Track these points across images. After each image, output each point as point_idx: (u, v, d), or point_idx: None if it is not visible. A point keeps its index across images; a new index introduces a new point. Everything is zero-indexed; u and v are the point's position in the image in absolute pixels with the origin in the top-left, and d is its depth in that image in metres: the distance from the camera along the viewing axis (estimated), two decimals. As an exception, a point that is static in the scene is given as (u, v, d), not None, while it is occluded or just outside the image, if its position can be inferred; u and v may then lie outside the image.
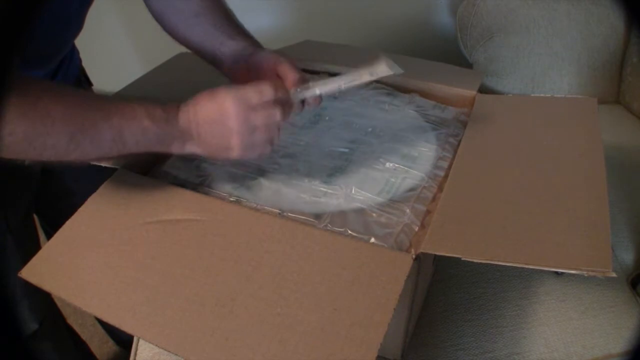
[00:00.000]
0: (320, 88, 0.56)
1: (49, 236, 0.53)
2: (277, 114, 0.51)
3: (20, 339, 0.38)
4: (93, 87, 0.84)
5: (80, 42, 0.72)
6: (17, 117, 0.40)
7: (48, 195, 0.79)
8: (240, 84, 0.52)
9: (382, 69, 0.55)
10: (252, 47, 0.62)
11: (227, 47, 0.62)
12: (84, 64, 0.80)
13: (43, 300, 0.80)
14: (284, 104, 0.52)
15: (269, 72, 0.58)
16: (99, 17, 0.68)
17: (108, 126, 0.45)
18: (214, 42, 0.63)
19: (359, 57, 0.87)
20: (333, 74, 0.82)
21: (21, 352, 0.34)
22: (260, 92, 0.50)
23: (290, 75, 0.57)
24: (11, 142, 0.40)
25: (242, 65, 0.61)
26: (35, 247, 0.51)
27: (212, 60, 0.64)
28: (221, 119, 0.49)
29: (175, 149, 0.51)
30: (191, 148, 0.51)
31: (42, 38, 0.55)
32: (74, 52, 0.74)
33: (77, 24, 0.64)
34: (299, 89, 0.56)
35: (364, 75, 0.56)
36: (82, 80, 0.79)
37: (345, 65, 0.82)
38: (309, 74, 0.83)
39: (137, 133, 0.47)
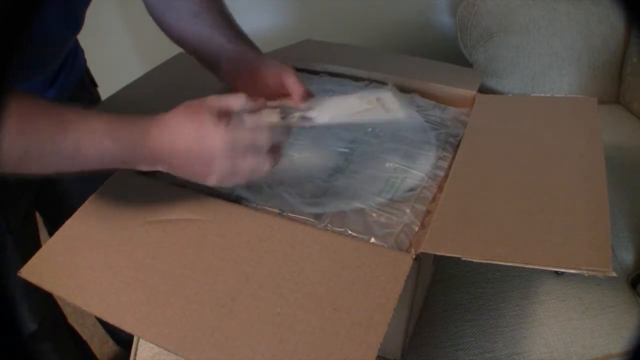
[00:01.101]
0: (323, 117, 0.54)
1: (51, 235, 0.53)
2: (266, 163, 0.47)
3: (21, 339, 0.38)
4: (98, 89, 0.84)
5: (82, 42, 0.72)
6: None
7: (49, 195, 0.79)
8: (239, 90, 0.51)
9: (394, 107, 0.55)
10: (251, 52, 0.60)
11: (225, 50, 0.60)
12: (87, 63, 0.80)
13: (43, 301, 0.80)
14: (277, 150, 0.48)
15: (272, 81, 0.56)
16: (100, 16, 0.68)
17: (65, 142, 0.42)
18: (212, 44, 0.61)
19: (359, 57, 0.88)
20: (333, 75, 0.82)
21: (21, 353, 0.34)
22: (255, 139, 0.45)
23: (296, 89, 0.54)
24: None
25: (241, 71, 0.58)
26: (36, 247, 0.51)
27: (209, 63, 0.62)
28: (202, 156, 0.45)
29: (144, 167, 0.47)
30: (162, 168, 0.47)
31: (37, 40, 0.54)
32: (77, 53, 0.74)
33: (74, 25, 0.63)
34: (304, 115, 0.53)
35: (373, 111, 0.55)
36: (86, 82, 0.79)
37: (345, 65, 0.82)
38: (309, 74, 0.83)
39: (98, 150, 0.43)
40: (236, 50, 0.59)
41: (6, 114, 0.38)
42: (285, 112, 0.53)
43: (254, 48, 0.62)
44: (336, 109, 0.56)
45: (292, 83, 0.55)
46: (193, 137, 0.44)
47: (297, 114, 0.53)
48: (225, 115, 0.45)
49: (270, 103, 0.52)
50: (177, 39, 0.64)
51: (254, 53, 0.60)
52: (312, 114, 0.54)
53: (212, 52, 0.61)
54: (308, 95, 0.55)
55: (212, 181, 0.46)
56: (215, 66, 0.61)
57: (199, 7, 0.62)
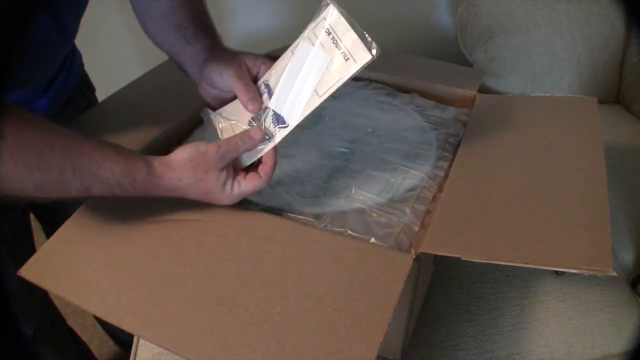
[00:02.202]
0: (291, 117, 0.52)
1: (48, 237, 0.53)
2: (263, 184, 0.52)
3: (21, 344, 0.38)
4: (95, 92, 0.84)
5: (80, 42, 0.72)
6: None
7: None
8: (208, 99, 0.56)
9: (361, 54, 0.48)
10: (203, 52, 0.57)
11: (184, 54, 0.58)
12: (86, 63, 0.79)
13: (37, 306, 0.79)
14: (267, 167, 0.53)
15: (220, 88, 0.55)
16: (99, 17, 0.67)
17: (78, 184, 0.44)
18: (175, 47, 0.59)
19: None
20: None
21: (22, 356, 0.34)
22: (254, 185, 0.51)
23: (240, 96, 0.53)
24: None
25: (203, 79, 0.56)
26: (30, 256, 0.51)
27: (179, 67, 0.61)
28: (209, 199, 0.51)
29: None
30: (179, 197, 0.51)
31: (26, 51, 0.53)
32: (75, 58, 0.73)
33: (65, 35, 0.62)
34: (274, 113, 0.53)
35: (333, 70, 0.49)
36: (83, 88, 0.77)
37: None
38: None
39: (105, 193, 0.46)
40: (191, 51, 0.57)
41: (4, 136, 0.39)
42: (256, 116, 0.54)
43: (208, 44, 0.58)
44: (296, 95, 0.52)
45: (236, 89, 0.53)
46: (201, 194, 0.50)
47: (269, 117, 0.53)
48: (227, 166, 0.50)
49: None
50: (155, 43, 0.62)
51: (205, 52, 0.57)
52: (284, 118, 0.53)
53: (176, 56, 0.60)
54: (254, 99, 0.53)
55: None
56: (182, 69, 0.60)
57: (167, 7, 0.58)
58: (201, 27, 0.59)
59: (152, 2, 0.59)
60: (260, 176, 0.51)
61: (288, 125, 0.52)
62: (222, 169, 0.49)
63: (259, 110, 0.53)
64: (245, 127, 0.53)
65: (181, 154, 0.48)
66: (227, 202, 0.51)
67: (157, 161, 0.48)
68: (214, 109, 0.58)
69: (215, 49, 0.58)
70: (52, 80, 0.66)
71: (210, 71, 0.54)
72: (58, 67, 0.67)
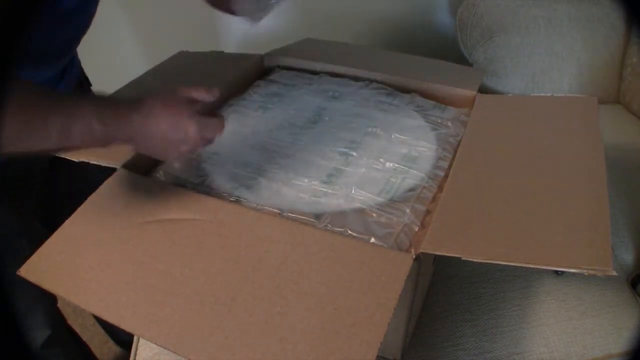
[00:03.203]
0: None
1: (48, 237, 0.53)
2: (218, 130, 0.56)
3: (30, 348, 0.38)
4: (92, 88, 0.84)
5: (81, 41, 0.72)
6: None
7: (52, 197, 0.79)
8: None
9: None
10: None
11: None
12: (85, 61, 0.80)
13: (53, 305, 0.80)
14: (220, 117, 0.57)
15: None
16: (101, 14, 0.68)
17: (58, 122, 0.46)
18: None
19: (359, 57, 0.88)
20: (333, 75, 0.82)
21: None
22: (211, 124, 0.54)
23: None
24: None
25: None
26: None
27: None
28: (174, 141, 0.52)
29: (113, 145, 0.52)
30: (132, 146, 0.53)
31: (49, 36, 0.55)
32: (75, 57, 0.74)
33: (85, 22, 0.64)
34: None
35: None
36: (84, 83, 0.79)
37: (345, 65, 0.82)
38: (310, 74, 0.83)
39: (84, 132, 0.48)
40: None
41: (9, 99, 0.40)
42: None
43: None
44: None
45: None
46: (171, 126, 0.51)
47: None
48: (193, 104, 0.53)
49: None
50: None
51: None
52: None
53: None
54: None
55: (171, 159, 0.58)
56: None
57: None
58: None
59: None
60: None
61: None
62: (190, 104, 0.53)
63: None
64: None
65: (151, 98, 0.53)
66: (192, 139, 0.53)
67: (130, 102, 0.52)
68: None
69: None
70: (64, 68, 0.68)
71: None
72: (64, 66, 0.68)
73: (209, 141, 0.55)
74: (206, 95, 0.55)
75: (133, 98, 0.52)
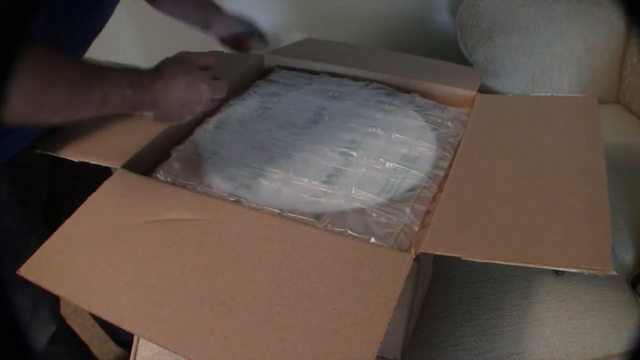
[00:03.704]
0: None
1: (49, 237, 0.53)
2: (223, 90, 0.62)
3: (31, 348, 0.38)
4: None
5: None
6: (31, 68, 0.44)
7: (53, 196, 0.79)
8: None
9: None
10: (204, 12, 0.79)
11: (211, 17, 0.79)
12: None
13: (56, 302, 0.79)
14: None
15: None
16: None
17: (97, 90, 0.51)
18: (196, 15, 0.80)
19: (359, 56, 0.88)
20: (333, 75, 0.82)
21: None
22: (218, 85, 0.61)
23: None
24: (18, 95, 0.44)
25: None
26: None
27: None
28: (189, 103, 0.59)
29: (143, 112, 0.57)
30: (151, 112, 0.58)
31: (72, 28, 0.59)
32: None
33: (107, 12, 0.66)
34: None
35: None
36: None
37: (345, 64, 0.82)
38: (310, 74, 0.83)
39: (119, 99, 0.53)
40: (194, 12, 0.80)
41: (29, 65, 0.44)
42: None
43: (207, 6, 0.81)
44: None
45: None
46: (188, 87, 0.58)
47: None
48: (203, 68, 0.60)
49: None
50: (172, 16, 0.80)
51: (206, 13, 0.80)
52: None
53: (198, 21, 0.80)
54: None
55: (186, 120, 0.62)
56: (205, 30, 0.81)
57: None
58: None
59: None
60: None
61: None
62: (199, 70, 0.60)
63: None
64: None
65: (169, 64, 0.59)
66: (206, 101, 0.60)
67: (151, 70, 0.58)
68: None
69: (213, 8, 0.81)
70: None
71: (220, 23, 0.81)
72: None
73: (217, 102, 0.62)
74: (210, 60, 0.62)
75: (152, 66, 0.58)
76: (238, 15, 0.82)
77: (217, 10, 0.81)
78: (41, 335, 0.75)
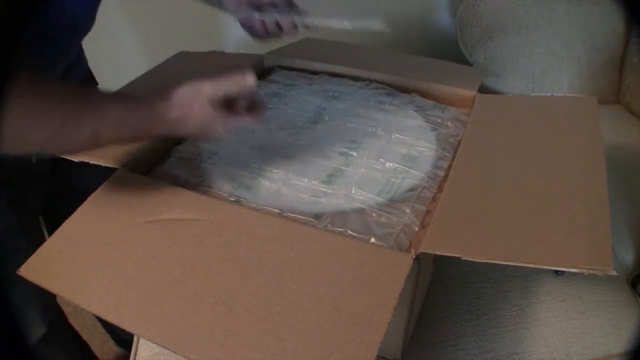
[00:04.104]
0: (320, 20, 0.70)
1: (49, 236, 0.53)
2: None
3: (27, 344, 0.38)
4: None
5: (83, 40, 0.72)
6: (16, 106, 0.41)
7: (53, 196, 0.79)
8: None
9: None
10: None
11: None
12: (89, 61, 0.80)
13: (51, 303, 0.80)
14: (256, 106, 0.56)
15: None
16: (102, 13, 0.68)
17: (89, 131, 0.47)
18: None
19: (358, 56, 0.88)
20: (333, 75, 0.82)
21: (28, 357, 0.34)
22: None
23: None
24: (10, 132, 0.41)
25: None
26: None
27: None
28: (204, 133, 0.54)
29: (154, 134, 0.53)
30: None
31: (50, 38, 0.55)
32: (81, 54, 0.74)
33: (87, 23, 0.64)
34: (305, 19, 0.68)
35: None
36: (91, 84, 0.80)
37: (344, 64, 0.82)
38: (310, 74, 0.83)
39: (115, 135, 0.49)
40: None
41: (17, 95, 0.41)
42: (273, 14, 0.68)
43: None
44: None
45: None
46: (199, 127, 0.53)
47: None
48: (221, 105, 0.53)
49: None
50: None
51: None
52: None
53: None
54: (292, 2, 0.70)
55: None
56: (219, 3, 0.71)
57: None
58: None
59: None
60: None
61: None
62: (215, 105, 0.52)
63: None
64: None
65: (180, 91, 0.52)
66: (219, 130, 0.54)
67: (158, 98, 0.51)
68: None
69: None
70: (67, 70, 0.68)
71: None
72: (69, 63, 0.68)
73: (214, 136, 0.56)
74: (238, 85, 0.53)
75: (159, 91, 0.52)
76: None
77: None
78: (27, 336, 0.75)
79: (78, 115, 0.46)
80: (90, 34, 0.68)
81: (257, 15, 0.68)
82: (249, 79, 0.53)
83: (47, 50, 0.58)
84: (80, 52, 0.74)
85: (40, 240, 0.74)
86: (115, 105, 0.49)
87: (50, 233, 0.53)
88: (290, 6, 0.69)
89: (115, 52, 1.39)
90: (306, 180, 0.60)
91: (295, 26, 0.68)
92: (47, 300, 0.78)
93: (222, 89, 0.52)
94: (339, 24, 0.70)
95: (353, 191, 0.58)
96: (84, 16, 0.63)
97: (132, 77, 0.78)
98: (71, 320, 0.96)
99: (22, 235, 0.68)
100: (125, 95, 0.51)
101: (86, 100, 0.48)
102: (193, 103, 0.51)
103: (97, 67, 0.84)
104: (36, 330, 0.76)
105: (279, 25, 0.68)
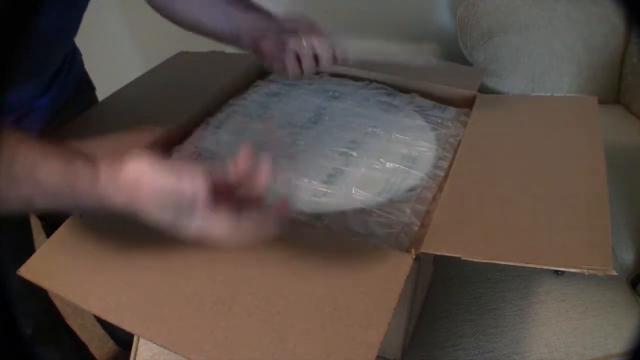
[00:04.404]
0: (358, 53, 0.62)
1: (48, 237, 0.53)
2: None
3: (21, 344, 0.38)
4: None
5: (80, 41, 0.72)
6: None
7: None
8: (264, 56, 0.61)
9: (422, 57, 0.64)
10: (267, 17, 0.64)
11: (243, 21, 0.63)
12: (86, 62, 0.79)
13: (37, 306, 0.79)
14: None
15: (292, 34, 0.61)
16: (99, 15, 0.68)
17: (11, 192, 0.38)
18: (229, 20, 0.64)
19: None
20: (333, 75, 0.82)
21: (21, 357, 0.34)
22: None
23: (314, 34, 0.60)
24: None
25: (261, 37, 0.62)
26: (29, 255, 0.51)
27: (230, 38, 0.65)
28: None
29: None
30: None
31: (31, 41, 0.53)
32: (75, 56, 0.73)
33: (71, 26, 0.63)
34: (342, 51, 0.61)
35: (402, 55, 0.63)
36: (83, 86, 0.78)
37: (345, 64, 0.82)
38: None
39: (49, 200, 0.40)
40: (251, 18, 0.63)
41: None
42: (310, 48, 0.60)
43: (267, 12, 0.65)
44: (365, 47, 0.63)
45: (307, 29, 0.60)
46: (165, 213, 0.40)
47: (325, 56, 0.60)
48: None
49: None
50: (191, 26, 0.67)
51: (269, 17, 0.64)
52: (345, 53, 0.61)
53: (231, 27, 0.64)
54: (326, 38, 0.61)
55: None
56: (235, 38, 0.65)
57: None
58: (248, 2, 0.66)
59: None
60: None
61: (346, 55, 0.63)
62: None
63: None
64: None
65: (137, 165, 0.39)
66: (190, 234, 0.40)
67: (105, 167, 0.39)
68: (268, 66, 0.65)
69: (273, 14, 0.64)
70: (53, 79, 0.67)
71: (285, 23, 0.62)
72: (59, 66, 0.67)
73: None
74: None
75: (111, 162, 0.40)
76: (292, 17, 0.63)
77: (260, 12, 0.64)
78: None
79: (10, 180, 0.38)
80: (89, 34, 0.68)
81: (291, 48, 0.59)
82: (200, 186, 0.38)
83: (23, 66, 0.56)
84: (74, 53, 0.73)
85: (26, 248, 0.72)
86: (45, 168, 0.38)
87: (50, 233, 0.53)
88: (319, 33, 0.60)
89: (114, 52, 1.39)
90: (306, 180, 0.60)
91: (335, 59, 0.60)
92: (32, 304, 0.77)
93: (168, 184, 0.38)
94: (383, 57, 0.63)
95: (353, 191, 0.58)
96: (62, 36, 0.62)
97: (131, 78, 0.78)
98: (71, 320, 0.96)
99: (19, 235, 0.68)
100: (62, 153, 0.40)
101: (8, 158, 0.37)
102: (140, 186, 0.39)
103: (96, 68, 0.83)
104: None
105: (316, 58, 0.60)
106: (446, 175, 0.60)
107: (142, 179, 0.38)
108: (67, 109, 0.70)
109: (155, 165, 0.38)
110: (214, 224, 0.38)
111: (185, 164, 0.39)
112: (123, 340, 1.16)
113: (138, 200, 0.38)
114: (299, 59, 0.61)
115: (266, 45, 0.61)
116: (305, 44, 0.59)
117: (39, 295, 0.77)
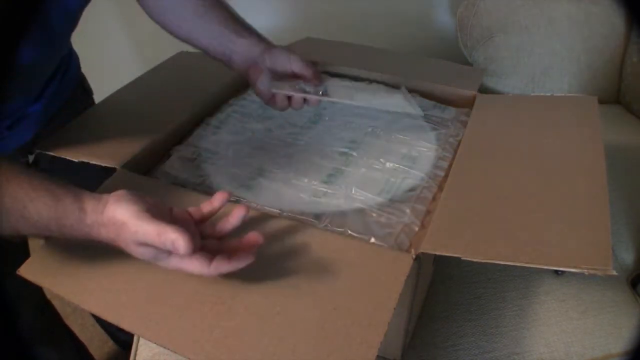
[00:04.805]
0: (336, 97, 0.65)
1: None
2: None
3: (19, 345, 0.38)
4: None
5: (78, 42, 0.72)
6: None
7: None
8: (253, 81, 0.62)
9: (401, 104, 0.65)
10: (261, 43, 0.64)
11: (237, 45, 0.64)
12: (85, 63, 0.79)
13: (31, 307, 0.79)
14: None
15: (280, 68, 0.64)
16: (96, 18, 0.67)
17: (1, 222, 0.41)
18: (223, 40, 0.64)
19: (359, 56, 0.88)
20: (334, 75, 0.82)
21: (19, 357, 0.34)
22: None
23: (306, 72, 0.63)
24: None
25: (253, 64, 0.64)
26: (24, 259, 0.50)
27: (222, 58, 0.66)
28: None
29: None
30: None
31: (25, 55, 0.53)
32: (71, 60, 0.72)
33: (51, 54, 0.62)
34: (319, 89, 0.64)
35: (383, 103, 0.65)
36: (79, 91, 0.77)
37: (345, 64, 0.82)
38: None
39: (35, 231, 0.43)
40: (246, 43, 0.64)
41: None
42: (301, 88, 0.63)
43: (261, 38, 0.66)
44: (353, 91, 0.67)
45: (301, 67, 0.63)
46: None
47: (312, 93, 0.63)
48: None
49: (287, 83, 0.63)
50: (184, 39, 0.67)
51: (262, 44, 0.64)
52: (330, 93, 0.64)
53: (224, 48, 0.65)
54: (319, 75, 0.64)
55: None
56: (228, 61, 0.65)
57: (203, 7, 0.64)
58: (244, 24, 0.66)
59: (184, 4, 0.64)
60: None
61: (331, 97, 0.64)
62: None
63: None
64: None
65: (113, 210, 0.42)
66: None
67: (91, 206, 0.42)
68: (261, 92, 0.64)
69: (267, 41, 0.66)
70: (46, 85, 0.66)
71: (278, 55, 0.63)
72: (53, 72, 0.66)
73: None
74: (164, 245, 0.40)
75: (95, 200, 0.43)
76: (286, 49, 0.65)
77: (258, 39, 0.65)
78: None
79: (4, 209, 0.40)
80: (89, 35, 0.68)
81: (285, 91, 0.62)
82: (180, 247, 0.39)
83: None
84: (70, 57, 0.72)
85: (21, 251, 0.72)
86: (35, 204, 0.41)
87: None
88: (314, 77, 0.64)
89: (113, 52, 1.39)
90: (306, 180, 0.60)
91: (320, 102, 0.64)
92: (28, 304, 0.77)
93: (149, 237, 0.40)
94: (369, 103, 0.66)
95: (353, 191, 0.58)
96: (41, 65, 0.61)
97: (131, 78, 0.78)
98: (71, 320, 0.96)
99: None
100: (52, 190, 0.42)
101: (10, 201, 0.41)
102: (120, 233, 0.42)
103: (95, 68, 0.83)
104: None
105: (305, 101, 0.63)
106: (446, 175, 0.60)
107: (127, 223, 0.41)
108: (62, 114, 0.70)
109: (140, 213, 0.41)
110: (188, 265, 0.42)
111: (165, 210, 0.44)
112: (123, 341, 1.16)
113: (122, 240, 0.42)
114: (288, 97, 0.64)
115: (254, 75, 0.63)
116: (297, 87, 0.63)
117: (33, 297, 0.77)
